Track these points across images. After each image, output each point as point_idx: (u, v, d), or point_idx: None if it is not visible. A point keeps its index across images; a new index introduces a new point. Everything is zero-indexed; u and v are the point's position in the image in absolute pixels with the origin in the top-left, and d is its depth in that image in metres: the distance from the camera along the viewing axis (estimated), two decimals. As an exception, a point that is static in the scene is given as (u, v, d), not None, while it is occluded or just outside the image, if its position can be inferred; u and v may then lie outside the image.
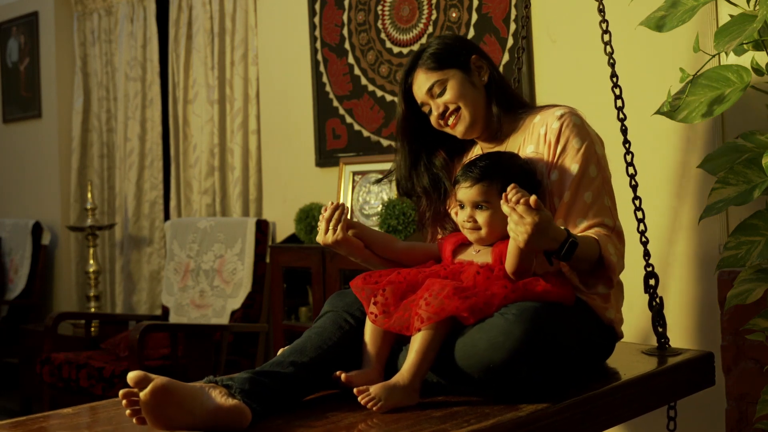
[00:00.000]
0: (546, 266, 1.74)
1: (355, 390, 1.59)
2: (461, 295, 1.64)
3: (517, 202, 1.58)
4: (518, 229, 1.59)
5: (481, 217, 1.78)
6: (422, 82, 1.94)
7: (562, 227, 1.69)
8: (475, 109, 1.93)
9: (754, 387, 2.32)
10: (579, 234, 1.78)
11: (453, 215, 2.00)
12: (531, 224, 1.57)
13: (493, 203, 1.77)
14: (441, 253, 1.90)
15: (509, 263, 1.70)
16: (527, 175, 1.83)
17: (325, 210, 1.85)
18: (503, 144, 1.98)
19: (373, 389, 1.58)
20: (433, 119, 1.96)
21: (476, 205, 1.79)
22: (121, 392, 1.45)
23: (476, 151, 2.04)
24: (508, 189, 1.61)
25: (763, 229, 1.97)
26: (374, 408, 1.57)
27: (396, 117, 2.03)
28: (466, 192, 1.79)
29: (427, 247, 1.96)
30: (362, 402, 1.58)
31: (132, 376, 1.42)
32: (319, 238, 1.87)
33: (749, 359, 2.34)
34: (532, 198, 1.57)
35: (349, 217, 1.87)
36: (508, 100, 1.98)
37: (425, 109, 1.97)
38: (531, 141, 1.92)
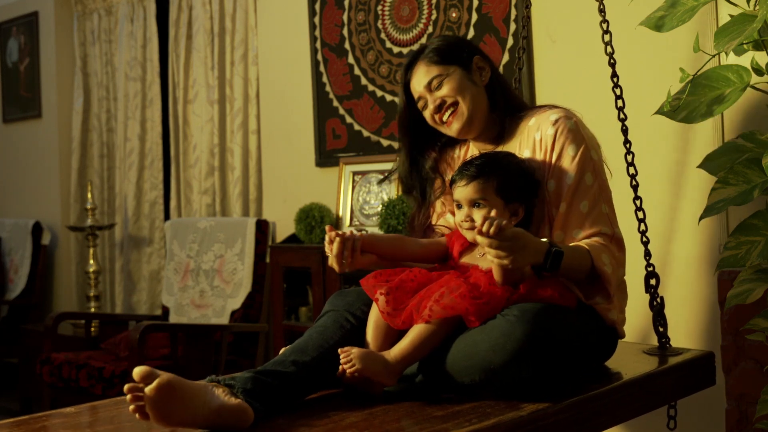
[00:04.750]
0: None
1: (339, 349, 1.62)
2: (474, 297, 1.63)
3: (488, 231, 1.55)
4: (498, 253, 1.58)
5: (478, 215, 1.75)
6: (422, 76, 1.91)
7: (544, 239, 1.69)
8: (473, 106, 1.90)
9: (754, 387, 2.32)
10: (571, 244, 1.77)
11: (450, 217, 1.99)
12: (506, 248, 1.56)
13: (490, 200, 1.76)
14: (449, 251, 1.88)
15: (497, 278, 1.69)
16: (525, 173, 1.82)
17: (331, 242, 1.77)
18: (498, 147, 1.95)
19: (355, 351, 1.61)
20: (427, 114, 1.93)
21: (473, 203, 1.77)
22: (126, 386, 1.44)
23: (470, 154, 2.01)
24: (479, 222, 1.58)
25: (763, 229, 1.97)
26: (348, 369, 1.60)
27: (397, 113, 2.01)
28: (462, 190, 1.78)
29: (439, 242, 1.92)
30: (342, 360, 1.61)
31: (138, 371, 1.42)
32: (332, 266, 1.81)
33: (749, 359, 2.34)
34: (498, 221, 1.55)
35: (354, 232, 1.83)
36: (509, 102, 1.96)
37: (421, 104, 1.94)
38: (527, 146, 1.90)
